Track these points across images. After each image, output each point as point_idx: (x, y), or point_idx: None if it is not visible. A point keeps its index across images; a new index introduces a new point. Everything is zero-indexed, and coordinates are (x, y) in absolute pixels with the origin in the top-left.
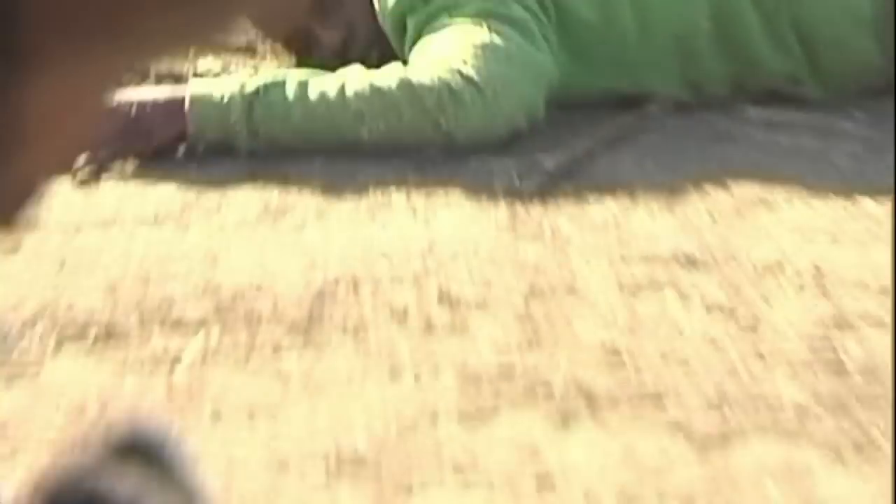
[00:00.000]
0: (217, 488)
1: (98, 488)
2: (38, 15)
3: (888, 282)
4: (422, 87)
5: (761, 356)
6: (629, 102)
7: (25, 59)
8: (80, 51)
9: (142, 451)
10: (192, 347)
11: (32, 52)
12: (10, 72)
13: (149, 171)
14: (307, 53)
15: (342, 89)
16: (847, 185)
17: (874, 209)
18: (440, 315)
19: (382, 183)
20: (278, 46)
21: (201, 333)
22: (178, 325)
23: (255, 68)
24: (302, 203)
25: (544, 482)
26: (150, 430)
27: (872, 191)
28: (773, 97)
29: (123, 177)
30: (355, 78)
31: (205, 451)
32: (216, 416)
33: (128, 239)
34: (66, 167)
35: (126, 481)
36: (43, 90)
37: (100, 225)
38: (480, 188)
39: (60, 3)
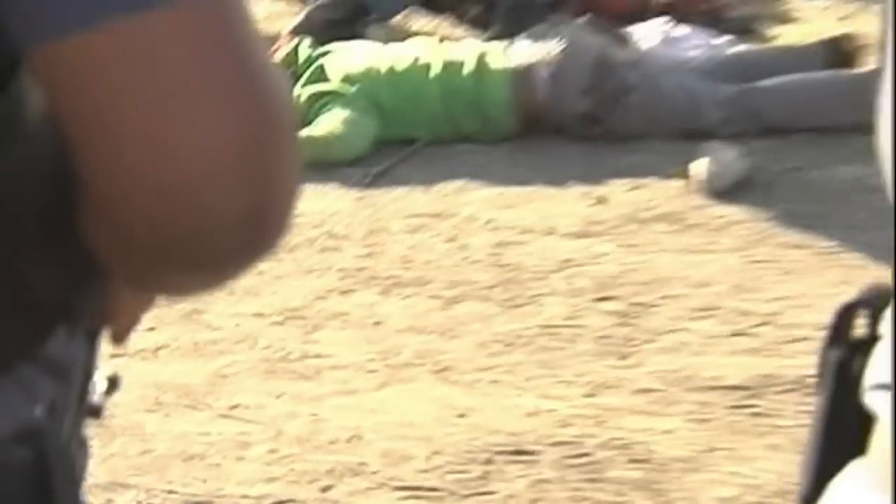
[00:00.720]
0: None
1: None
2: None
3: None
4: (317, 136)
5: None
6: (408, 141)
7: (111, 292)
8: (135, 290)
9: None
10: None
11: (114, 289)
12: (104, 296)
13: None
14: None
15: None
16: (505, 173)
17: (523, 178)
18: (329, 243)
19: (312, 180)
20: None
21: None
22: None
23: None
24: None
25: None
26: None
27: (520, 174)
28: (468, 139)
29: None
30: None
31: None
32: None
33: None
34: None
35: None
36: (119, 300)
37: None
38: (347, 182)
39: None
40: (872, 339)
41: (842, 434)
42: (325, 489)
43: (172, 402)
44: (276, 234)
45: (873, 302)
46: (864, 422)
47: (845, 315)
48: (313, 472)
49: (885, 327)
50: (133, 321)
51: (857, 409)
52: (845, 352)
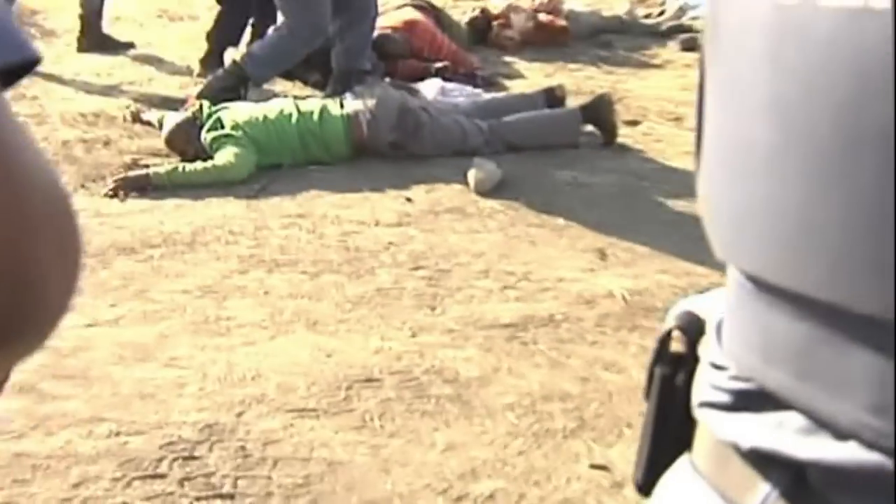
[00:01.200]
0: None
1: None
2: None
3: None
4: (218, 165)
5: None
6: (277, 166)
7: None
8: None
9: None
10: None
11: None
12: None
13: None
14: (185, 154)
15: (185, 168)
16: (344, 184)
17: (357, 187)
18: (230, 238)
19: (216, 195)
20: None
21: None
22: None
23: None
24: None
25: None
26: None
27: (354, 185)
28: (318, 163)
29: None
30: (195, 165)
31: None
32: None
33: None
34: (7, 378)
35: None
36: None
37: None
38: (239, 195)
39: None
40: (693, 357)
41: (670, 433)
42: (239, 414)
43: (131, 356)
44: (43, 330)
45: (687, 327)
46: (688, 423)
47: (665, 339)
48: (230, 403)
49: (703, 350)
50: (3, 378)
51: (681, 413)
52: (668, 368)
